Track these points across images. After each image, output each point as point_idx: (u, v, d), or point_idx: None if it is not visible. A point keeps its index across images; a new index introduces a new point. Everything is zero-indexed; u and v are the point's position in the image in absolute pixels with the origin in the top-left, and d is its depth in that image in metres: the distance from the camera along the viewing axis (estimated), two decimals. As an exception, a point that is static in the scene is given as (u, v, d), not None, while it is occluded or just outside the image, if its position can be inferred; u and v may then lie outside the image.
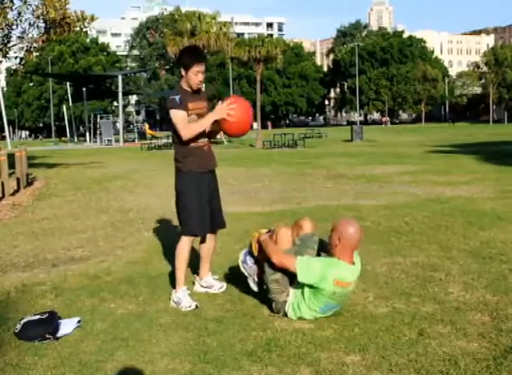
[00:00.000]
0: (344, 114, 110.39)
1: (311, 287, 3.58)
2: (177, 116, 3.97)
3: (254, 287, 4.04)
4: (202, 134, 4.10)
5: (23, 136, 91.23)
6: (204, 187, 4.13)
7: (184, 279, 4.15)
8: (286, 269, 3.63)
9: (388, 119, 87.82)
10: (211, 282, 4.39)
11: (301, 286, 3.65)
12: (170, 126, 4.15)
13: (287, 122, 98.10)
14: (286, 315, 3.72)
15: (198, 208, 4.08)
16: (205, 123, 4.02)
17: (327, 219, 6.26)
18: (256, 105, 33.80)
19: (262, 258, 3.88)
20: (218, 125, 4.07)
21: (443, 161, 16.20)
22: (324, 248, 3.84)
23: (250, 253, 4.10)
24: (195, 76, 4.01)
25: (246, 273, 4.08)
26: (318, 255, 3.81)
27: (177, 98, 3.97)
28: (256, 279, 4.03)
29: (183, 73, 4.05)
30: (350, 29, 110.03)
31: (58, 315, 3.73)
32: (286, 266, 3.61)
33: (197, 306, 3.98)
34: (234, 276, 4.60)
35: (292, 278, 3.67)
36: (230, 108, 3.95)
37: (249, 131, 4.25)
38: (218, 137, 33.78)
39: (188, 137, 3.98)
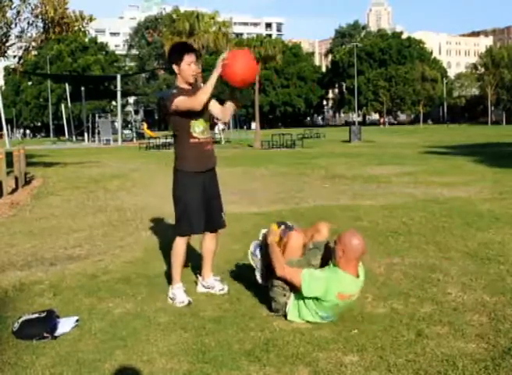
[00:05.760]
0: (342, 115, 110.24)
1: (315, 298, 3.55)
2: (180, 101, 3.89)
3: (260, 280, 4.00)
4: (205, 130, 4.08)
5: (20, 134, 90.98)
6: (198, 187, 4.09)
7: (180, 276, 4.18)
8: (290, 282, 3.60)
9: (386, 120, 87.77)
10: (212, 283, 4.38)
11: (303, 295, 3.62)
12: (170, 125, 4.12)
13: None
14: (285, 315, 3.71)
15: (190, 208, 4.07)
16: (210, 82, 3.88)
17: (325, 219, 6.25)
18: (254, 106, 33.81)
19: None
20: (222, 78, 3.88)
21: (441, 162, 16.21)
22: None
23: (261, 245, 4.07)
24: (188, 66, 3.98)
25: (254, 265, 4.06)
26: (327, 263, 3.73)
27: (175, 90, 3.97)
28: (263, 271, 3.99)
29: (176, 70, 4.01)
30: (348, 29, 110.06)
31: (56, 314, 3.73)
32: (290, 279, 3.58)
33: (190, 302, 4.02)
34: (232, 276, 4.61)
35: (295, 290, 3.63)
36: (224, 56, 3.85)
37: (256, 73, 4.03)
38: (217, 136, 33.78)
39: (203, 102, 3.86)
